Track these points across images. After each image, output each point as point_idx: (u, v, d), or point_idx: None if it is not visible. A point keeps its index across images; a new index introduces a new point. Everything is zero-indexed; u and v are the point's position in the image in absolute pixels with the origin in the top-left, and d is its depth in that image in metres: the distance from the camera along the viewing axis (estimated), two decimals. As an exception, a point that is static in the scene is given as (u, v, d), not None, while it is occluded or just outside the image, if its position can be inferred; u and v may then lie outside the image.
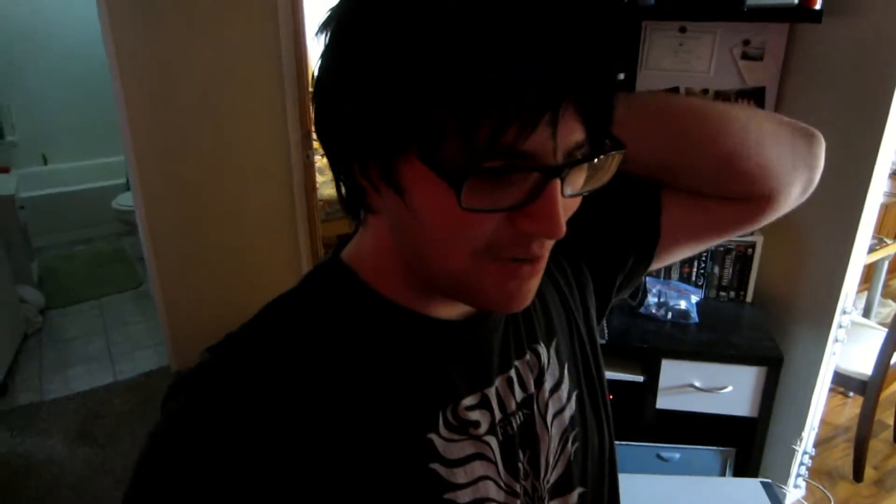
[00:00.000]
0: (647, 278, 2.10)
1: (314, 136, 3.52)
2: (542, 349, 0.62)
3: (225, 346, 0.50)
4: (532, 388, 0.60)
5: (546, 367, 0.62)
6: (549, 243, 0.48)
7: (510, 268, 0.47)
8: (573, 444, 0.62)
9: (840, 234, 1.83)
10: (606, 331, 1.92)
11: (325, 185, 3.90)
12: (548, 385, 0.61)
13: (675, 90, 1.94)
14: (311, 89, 3.42)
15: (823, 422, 2.36)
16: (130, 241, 4.16)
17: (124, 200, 3.76)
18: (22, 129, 4.25)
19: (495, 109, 0.38)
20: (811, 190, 0.67)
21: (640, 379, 1.89)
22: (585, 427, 0.64)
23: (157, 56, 2.52)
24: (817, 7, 1.61)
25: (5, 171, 3.81)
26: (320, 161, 4.11)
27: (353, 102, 0.43)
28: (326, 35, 0.44)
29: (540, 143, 0.40)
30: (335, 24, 0.44)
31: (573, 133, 0.42)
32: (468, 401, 0.55)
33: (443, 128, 0.40)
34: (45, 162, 4.44)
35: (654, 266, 0.71)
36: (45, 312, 3.52)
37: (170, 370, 2.97)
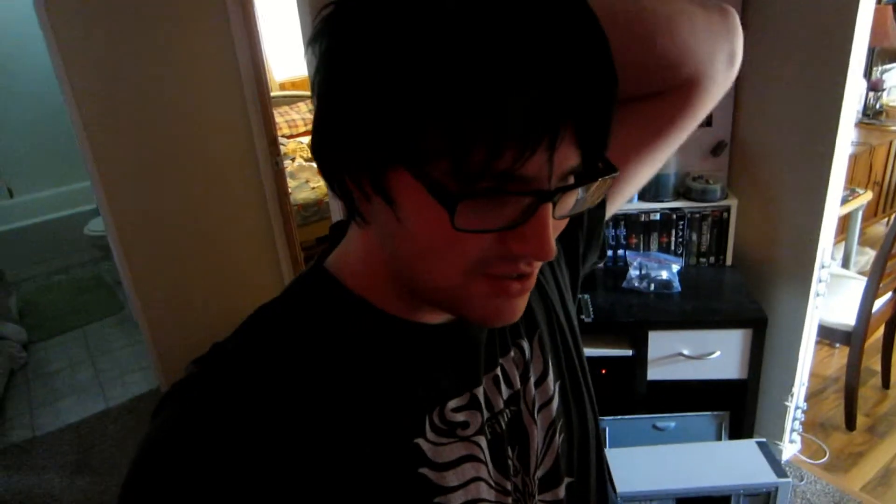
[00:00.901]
0: (628, 252, 2.11)
1: (280, 141, 3.48)
2: (524, 344, 0.62)
3: (211, 356, 0.50)
4: (518, 385, 0.60)
5: (530, 361, 0.62)
6: (538, 262, 0.47)
7: (499, 284, 0.46)
8: (559, 434, 0.63)
9: (812, 189, 1.85)
10: (591, 309, 1.92)
11: (298, 189, 3.87)
12: (533, 379, 0.61)
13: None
14: (271, 95, 3.39)
15: (812, 375, 2.40)
16: (107, 266, 4.11)
17: (96, 226, 3.70)
18: (-18, 164, 4.17)
19: (491, 134, 0.38)
20: (738, 62, 0.64)
21: (629, 353, 1.91)
22: (570, 416, 0.64)
23: (111, 75, 2.47)
24: (768, -34, 1.61)
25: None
26: (291, 166, 4.08)
27: (346, 112, 0.42)
28: (318, 46, 0.43)
29: (536, 168, 0.40)
30: (328, 37, 0.43)
31: (569, 158, 0.41)
32: (454, 402, 0.55)
33: (436, 147, 0.39)
34: (11, 195, 4.36)
35: (616, 203, 0.69)
36: (29, 346, 3.46)
37: (160, 391, 2.94)
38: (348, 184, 0.46)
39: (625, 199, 0.71)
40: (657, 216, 2.07)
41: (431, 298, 0.49)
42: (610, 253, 2.14)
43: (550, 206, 0.42)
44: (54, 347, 3.48)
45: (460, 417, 0.54)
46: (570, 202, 0.45)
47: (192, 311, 2.88)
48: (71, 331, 3.61)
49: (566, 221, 0.48)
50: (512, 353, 0.61)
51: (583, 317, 1.89)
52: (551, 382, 0.63)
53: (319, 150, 0.46)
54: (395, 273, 0.50)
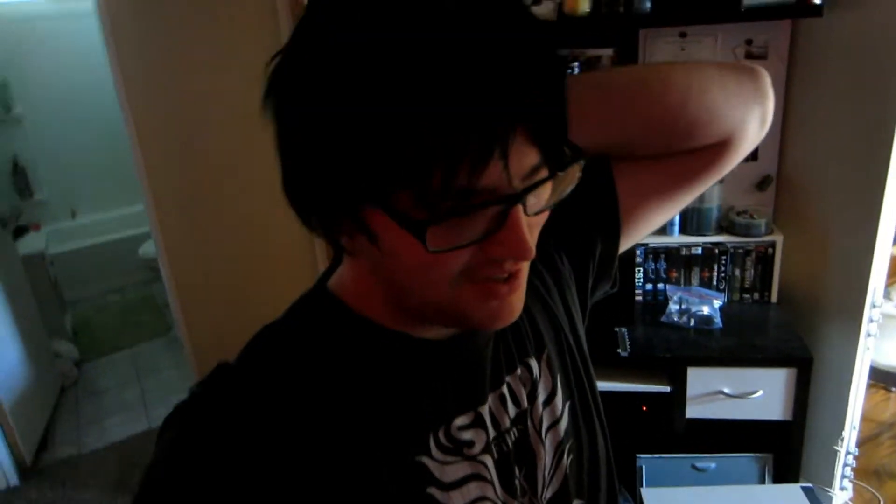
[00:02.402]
0: (668, 286, 2.07)
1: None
2: (532, 363, 0.62)
3: (215, 376, 0.51)
4: (525, 404, 0.60)
5: (538, 380, 0.62)
6: (525, 262, 0.48)
7: (488, 287, 0.47)
8: (568, 456, 0.62)
9: (862, 225, 1.79)
10: (628, 343, 1.89)
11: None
12: (541, 398, 0.61)
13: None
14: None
15: (866, 419, 2.28)
16: (158, 288, 4.23)
17: (149, 248, 3.84)
18: (50, 186, 4.36)
19: (442, 156, 0.39)
20: (769, 122, 0.66)
21: (667, 389, 1.86)
22: (579, 437, 0.64)
23: (171, 103, 2.58)
24: (817, 1, 1.59)
25: (36, 228, 3.92)
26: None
27: (306, 166, 0.44)
28: (270, 103, 0.45)
29: (495, 177, 0.41)
30: (276, 94, 0.45)
31: (526, 158, 0.42)
32: (460, 420, 0.55)
33: (396, 181, 0.41)
34: (74, 216, 4.55)
35: (630, 239, 0.70)
36: (81, 364, 3.59)
37: (202, 413, 2.99)
38: (328, 225, 0.47)
39: (641, 235, 0.72)
40: (699, 250, 2.03)
41: (429, 313, 0.50)
42: (650, 287, 2.10)
43: (520, 207, 0.43)
44: (104, 366, 3.60)
45: (466, 436, 0.54)
46: (543, 196, 0.46)
47: (237, 334, 2.89)
48: (120, 350, 3.73)
49: (546, 215, 0.48)
50: (519, 371, 0.60)
51: (619, 350, 1.86)
52: (560, 402, 0.63)
53: (292, 198, 0.48)
54: (390, 293, 0.51)
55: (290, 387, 0.50)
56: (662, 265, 2.07)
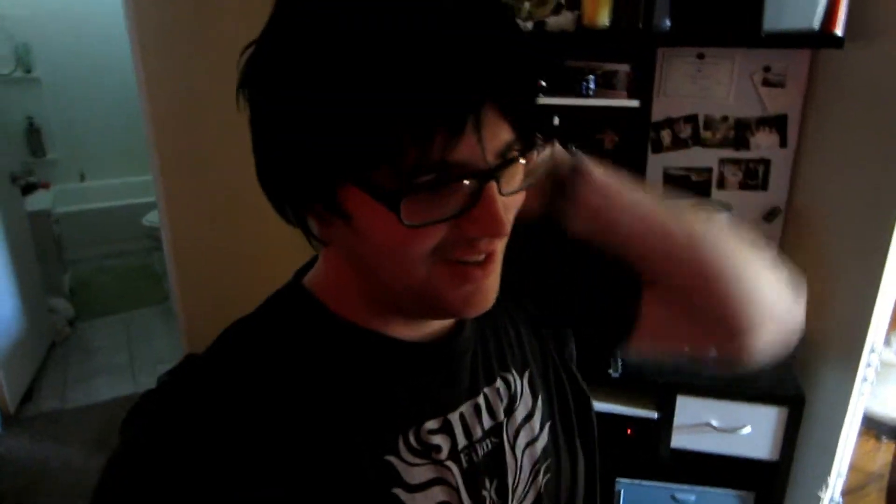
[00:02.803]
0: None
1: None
2: (513, 378, 0.61)
3: (183, 368, 0.52)
4: (501, 417, 0.59)
5: (518, 396, 0.61)
6: (499, 241, 0.48)
7: (462, 270, 0.47)
8: (545, 475, 0.61)
9: (868, 267, 1.75)
10: (620, 364, 1.86)
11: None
12: (519, 415, 0.61)
13: (694, 118, 1.90)
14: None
15: (854, 468, 2.23)
16: (158, 257, 4.25)
17: (153, 218, 3.85)
18: (62, 147, 4.45)
19: (416, 129, 0.39)
20: (778, 348, 0.64)
21: (654, 415, 1.83)
22: (559, 459, 0.63)
23: (184, 77, 2.59)
24: (838, 32, 1.55)
25: (45, 186, 3.95)
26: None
27: (285, 150, 0.45)
28: (245, 93, 0.46)
29: (468, 151, 0.41)
30: (251, 83, 0.45)
31: (500, 134, 0.43)
32: (431, 424, 0.54)
33: (371, 155, 0.40)
34: (83, 179, 4.62)
35: (633, 354, 0.69)
36: (75, 323, 3.61)
37: (187, 385, 3.00)
38: (301, 212, 0.47)
39: (630, 356, 0.73)
40: (700, 277, 1.99)
41: (404, 300, 0.50)
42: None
43: (494, 184, 0.43)
44: (97, 327, 3.63)
45: (435, 440, 0.54)
46: (517, 178, 0.46)
47: (230, 309, 2.89)
48: (115, 314, 3.76)
49: (521, 197, 0.49)
50: (497, 384, 0.60)
51: (610, 371, 1.83)
52: (539, 421, 0.62)
53: (268, 187, 0.48)
54: (366, 285, 0.51)
55: (258, 381, 0.49)
56: (662, 288, 2.03)
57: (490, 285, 0.49)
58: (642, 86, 1.86)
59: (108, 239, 4.48)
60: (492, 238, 0.46)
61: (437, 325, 0.57)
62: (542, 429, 0.62)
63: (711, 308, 0.61)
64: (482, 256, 0.47)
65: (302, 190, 0.46)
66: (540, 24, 1.72)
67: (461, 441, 0.56)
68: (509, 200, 0.46)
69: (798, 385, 1.78)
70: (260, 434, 0.47)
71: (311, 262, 0.57)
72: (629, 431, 1.87)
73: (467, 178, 0.42)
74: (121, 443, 0.47)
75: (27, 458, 2.56)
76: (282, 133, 0.44)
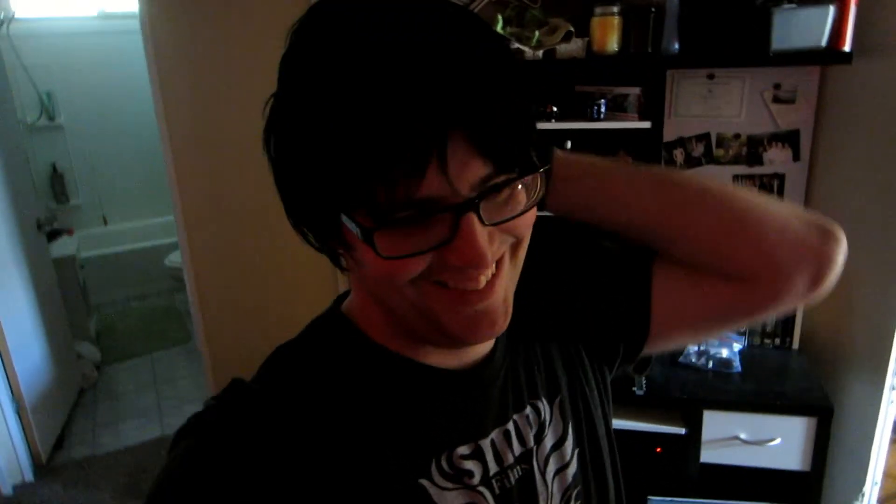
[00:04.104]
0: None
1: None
2: (542, 405, 0.62)
3: (230, 391, 0.53)
4: (531, 443, 0.60)
5: (548, 423, 0.62)
6: (502, 271, 0.49)
7: (459, 294, 0.48)
8: (576, 501, 0.62)
9: (889, 275, 1.76)
10: (644, 381, 1.86)
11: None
12: (549, 441, 0.61)
13: (706, 136, 1.94)
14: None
15: (888, 476, 2.21)
16: (181, 298, 4.31)
17: (176, 258, 3.91)
18: (85, 193, 4.54)
19: (380, 169, 0.41)
20: (822, 288, 0.62)
21: (682, 431, 1.82)
22: (588, 486, 0.64)
23: (205, 120, 2.65)
24: (846, 49, 1.58)
25: (69, 233, 4.02)
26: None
27: (291, 187, 0.49)
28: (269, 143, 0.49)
29: (435, 188, 0.42)
30: (267, 130, 0.49)
31: (471, 169, 0.43)
32: (462, 450, 0.55)
33: (352, 195, 0.44)
34: (106, 223, 4.69)
35: (653, 349, 0.69)
36: (101, 367, 3.64)
37: (215, 423, 3.01)
38: (321, 243, 0.51)
39: (663, 349, 0.71)
40: (720, 291, 2.00)
41: (412, 325, 0.51)
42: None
43: (473, 216, 0.44)
44: (123, 370, 3.66)
45: (467, 465, 0.55)
46: (508, 206, 0.47)
47: (254, 350, 2.89)
48: (140, 356, 3.79)
49: (527, 220, 0.49)
50: (527, 411, 0.61)
51: (634, 389, 1.83)
52: (570, 448, 0.63)
53: (292, 219, 0.51)
54: (386, 311, 0.53)
55: (300, 406, 0.51)
56: (683, 304, 2.04)
57: (493, 309, 0.49)
58: (653, 107, 1.91)
59: (132, 281, 4.54)
60: (474, 268, 0.46)
61: (468, 354, 0.58)
62: (572, 456, 0.63)
63: (738, 251, 0.61)
64: (481, 285, 0.48)
65: (312, 224, 0.50)
66: (550, 52, 1.77)
67: (493, 467, 0.56)
68: (509, 226, 0.47)
69: (826, 395, 1.78)
70: (299, 456, 0.49)
71: (349, 290, 0.60)
72: (658, 450, 1.86)
73: (440, 213, 0.43)
74: (169, 459, 0.49)
75: (60, 505, 2.58)
76: (286, 174, 0.48)
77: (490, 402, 0.58)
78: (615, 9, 1.70)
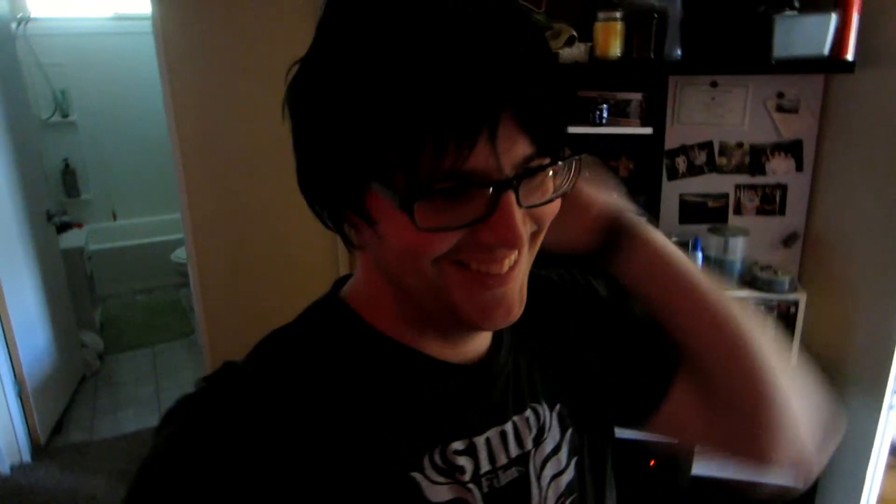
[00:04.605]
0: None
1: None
2: (542, 409, 0.61)
3: (221, 374, 0.52)
4: (529, 446, 0.59)
5: (547, 428, 0.61)
6: (522, 257, 0.49)
7: (479, 277, 0.48)
8: None
9: (891, 292, 1.73)
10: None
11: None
12: (547, 446, 0.60)
13: (709, 144, 1.93)
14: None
15: (883, 499, 2.17)
16: (185, 293, 4.34)
17: (181, 254, 3.95)
18: (96, 188, 4.63)
19: (431, 135, 0.41)
20: (797, 480, 0.64)
21: (674, 441, 1.80)
22: (584, 494, 0.62)
23: (213, 120, 2.69)
24: (849, 58, 1.58)
25: (79, 226, 4.08)
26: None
27: (319, 155, 0.47)
28: (287, 110, 0.48)
29: (482, 161, 0.42)
30: (290, 99, 0.48)
31: (517, 147, 0.43)
32: (456, 445, 0.54)
33: (394, 160, 0.42)
34: (115, 218, 4.78)
35: (645, 431, 0.69)
36: (104, 356, 3.68)
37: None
38: (336, 218, 0.49)
39: (648, 433, 0.70)
40: (719, 302, 1.98)
41: (427, 307, 0.50)
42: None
43: (512, 194, 0.43)
44: (125, 360, 3.69)
45: (460, 461, 0.54)
46: (539, 191, 0.47)
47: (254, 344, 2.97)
48: (142, 347, 3.82)
49: (552, 209, 0.49)
50: (527, 413, 0.60)
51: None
52: (566, 455, 0.61)
53: (306, 192, 0.50)
54: (398, 294, 0.52)
55: (293, 390, 0.50)
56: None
57: (510, 296, 0.49)
58: (655, 113, 1.90)
59: (139, 275, 4.60)
60: (507, 248, 0.46)
61: (472, 347, 0.57)
62: (568, 462, 0.62)
63: (741, 401, 0.61)
64: (504, 269, 0.48)
65: (333, 195, 0.48)
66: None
67: (484, 466, 0.55)
68: (536, 212, 0.47)
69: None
70: (289, 441, 0.48)
71: (349, 274, 0.59)
72: (652, 462, 1.84)
73: (482, 187, 0.43)
74: (157, 441, 0.48)
75: (55, 488, 2.59)
76: (315, 140, 0.47)
77: (489, 399, 0.57)
78: (618, 14, 1.71)
